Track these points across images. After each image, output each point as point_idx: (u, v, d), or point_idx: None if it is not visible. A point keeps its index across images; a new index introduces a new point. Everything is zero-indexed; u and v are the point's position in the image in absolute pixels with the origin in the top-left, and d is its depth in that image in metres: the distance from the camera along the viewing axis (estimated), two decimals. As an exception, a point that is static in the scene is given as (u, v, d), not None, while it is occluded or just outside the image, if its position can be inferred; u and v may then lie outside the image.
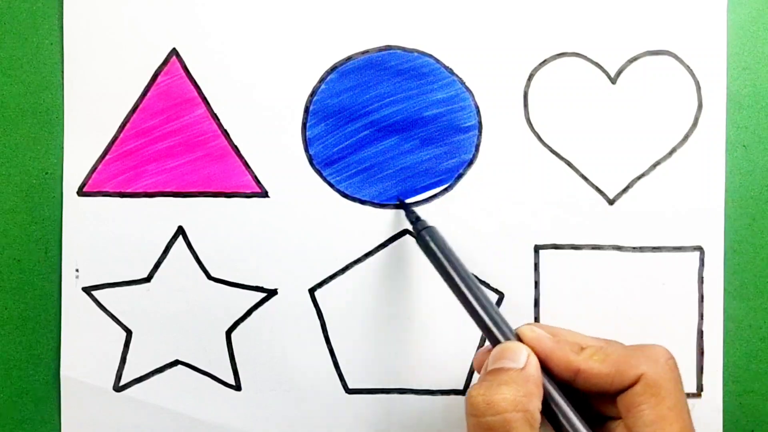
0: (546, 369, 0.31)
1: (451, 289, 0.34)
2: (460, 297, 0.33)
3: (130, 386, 0.39)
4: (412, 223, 0.37)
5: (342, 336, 0.39)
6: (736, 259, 0.38)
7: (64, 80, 0.39)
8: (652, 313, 0.38)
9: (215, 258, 0.39)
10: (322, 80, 0.38)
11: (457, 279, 0.33)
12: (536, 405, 0.30)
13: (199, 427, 0.39)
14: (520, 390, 0.29)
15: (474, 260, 0.38)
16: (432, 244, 0.35)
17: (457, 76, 0.38)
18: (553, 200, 0.38)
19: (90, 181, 0.39)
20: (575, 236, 0.38)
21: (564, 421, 0.30)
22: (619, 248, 0.38)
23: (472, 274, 0.34)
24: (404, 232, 0.39)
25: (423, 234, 0.35)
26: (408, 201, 0.39)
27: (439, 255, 0.34)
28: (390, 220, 0.39)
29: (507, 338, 0.32)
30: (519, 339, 0.32)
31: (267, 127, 0.39)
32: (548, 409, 0.30)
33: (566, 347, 0.31)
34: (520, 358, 0.31)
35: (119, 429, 0.39)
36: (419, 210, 0.38)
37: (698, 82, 0.38)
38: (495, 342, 0.32)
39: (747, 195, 0.38)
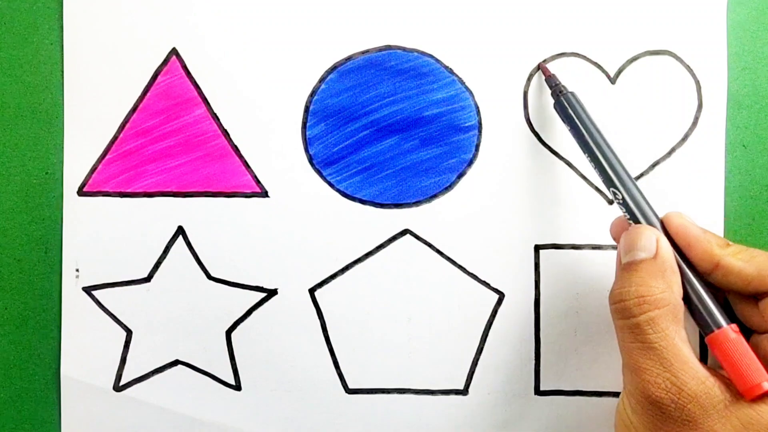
0: (684, 257, 0.31)
1: (589, 161, 0.34)
2: (598, 169, 0.34)
3: (130, 386, 0.39)
4: (550, 87, 0.36)
5: (342, 336, 0.39)
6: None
7: (64, 80, 0.39)
8: (652, 313, 0.38)
9: (215, 258, 0.39)
10: (322, 80, 0.38)
11: (595, 150, 0.34)
12: (678, 294, 0.30)
13: (199, 427, 0.39)
14: (659, 284, 0.30)
15: (474, 260, 0.38)
16: (570, 111, 0.35)
17: (457, 76, 0.38)
18: (553, 200, 0.38)
19: (90, 181, 0.39)
20: (575, 236, 0.38)
21: (699, 306, 0.31)
22: (619, 248, 0.38)
23: (611, 147, 0.34)
24: (404, 232, 0.39)
25: (561, 100, 0.35)
26: (408, 201, 0.39)
27: (578, 123, 0.35)
28: (390, 220, 0.39)
29: (647, 218, 0.32)
30: (663, 224, 0.32)
31: (267, 127, 0.39)
32: (685, 295, 0.31)
33: (712, 239, 0.31)
34: (650, 245, 0.31)
35: (119, 429, 0.39)
36: (419, 210, 0.38)
37: (698, 82, 0.38)
38: (634, 220, 0.33)
39: (747, 195, 0.38)
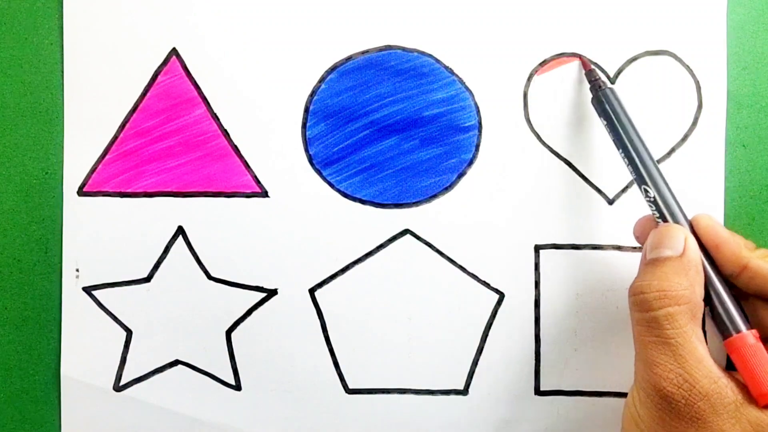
0: (711, 258, 0.31)
1: (623, 157, 0.34)
2: (632, 166, 0.34)
3: (130, 386, 0.39)
4: (590, 81, 0.36)
5: (342, 336, 0.39)
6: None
7: (64, 80, 0.39)
8: (652, 313, 0.38)
9: (215, 258, 0.39)
10: (322, 80, 0.38)
11: (630, 148, 0.34)
12: (699, 294, 0.30)
13: (199, 427, 0.39)
14: (682, 281, 0.30)
15: (474, 260, 0.38)
16: (607, 107, 0.35)
17: (457, 76, 0.38)
18: (553, 200, 0.38)
19: (90, 181, 0.39)
20: (575, 236, 0.38)
21: (720, 308, 0.31)
22: (619, 248, 0.38)
23: (645, 145, 0.34)
24: (404, 232, 0.39)
25: (599, 95, 0.35)
26: (408, 201, 0.39)
27: (614, 119, 0.35)
28: (390, 220, 0.39)
29: (675, 218, 0.32)
30: (690, 225, 0.32)
31: (267, 127, 0.39)
32: (707, 297, 0.31)
33: (740, 241, 0.32)
34: (677, 244, 0.31)
35: (119, 429, 0.39)
36: (419, 210, 0.38)
37: (698, 82, 0.38)
38: (663, 219, 0.33)
39: (747, 195, 0.38)
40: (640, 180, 0.34)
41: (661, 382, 0.29)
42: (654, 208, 0.33)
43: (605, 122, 0.35)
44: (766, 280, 0.31)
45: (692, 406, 0.28)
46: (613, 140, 0.35)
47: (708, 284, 0.31)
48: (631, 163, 0.34)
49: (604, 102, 0.35)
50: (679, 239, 0.31)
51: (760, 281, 0.31)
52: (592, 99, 0.36)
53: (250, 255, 0.39)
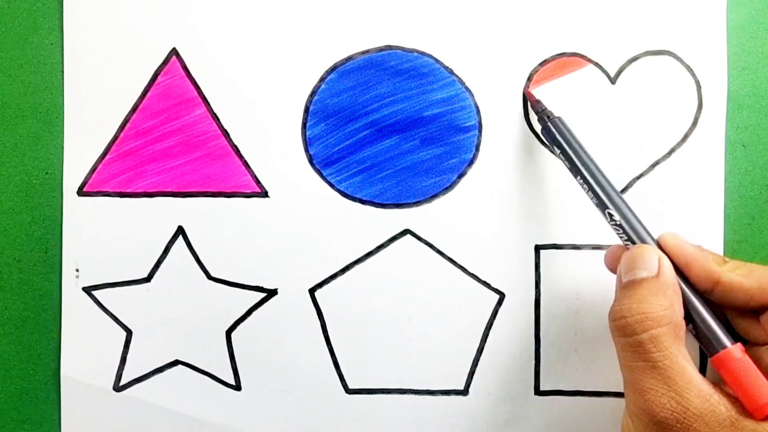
0: (684, 277, 0.31)
1: (581, 184, 0.34)
2: (591, 192, 0.34)
3: (130, 386, 0.39)
4: (537, 113, 0.36)
5: (342, 336, 0.39)
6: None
7: (64, 80, 0.39)
8: (652, 313, 0.38)
9: (215, 258, 0.39)
10: (322, 80, 0.38)
11: (586, 174, 0.34)
12: (679, 313, 0.30)
13: (199, 427, 0.39)
14: (661, 302, 0.29)
15: (474, 260, 0.38)
16: (558, 136, 0.35)
17: (457, 76, 0.38)
18: (553, 200, 0.38)
19: (90, 181, 0.39)
20: (575, 236, 0.38)
21: (702, 326, 0.31)
22: (619, 248, 0.38)
23: (600, 170, 0.34)
24: (404, 232, 0.39)
25: (549, 125, 0.35)
26: (408, 201, 0.39)
27: (566, 148, 0.34)
28: (390, 220, 0.39)
29: (642, 239, 0.32)
30: (658, 244, 0.32)
31: (267, 127, 0.39)
32: (688, 315, 0.31)
33: (709, 256, 0.31)
34: (651, 264, 0.31)
35: (119, 429, 0.39)
36: (419, 210, 0.38)
37: (698, 82, 0.38)
38: (631, 242, 0.32)
39: (746, 195, 0.38)
40: (601, 205, 0.33)
41: (654, 408, 0.29)
42: (620, 231, 0.33)
43: (558, 151, 0.35)
44: (740, 292, 0.30)
45: (688, 428, 0.28)
46: (569, 169, 0.35)
47: (687, 303, 0.31)
48: (591, 189, 0.34)
49: (554, 132, 0.35)
50: (652, 259, 0.31)
51: (734, 294, 0.31)
52: (542, 130, 0.36)
53: (250, 255, 0.39)
